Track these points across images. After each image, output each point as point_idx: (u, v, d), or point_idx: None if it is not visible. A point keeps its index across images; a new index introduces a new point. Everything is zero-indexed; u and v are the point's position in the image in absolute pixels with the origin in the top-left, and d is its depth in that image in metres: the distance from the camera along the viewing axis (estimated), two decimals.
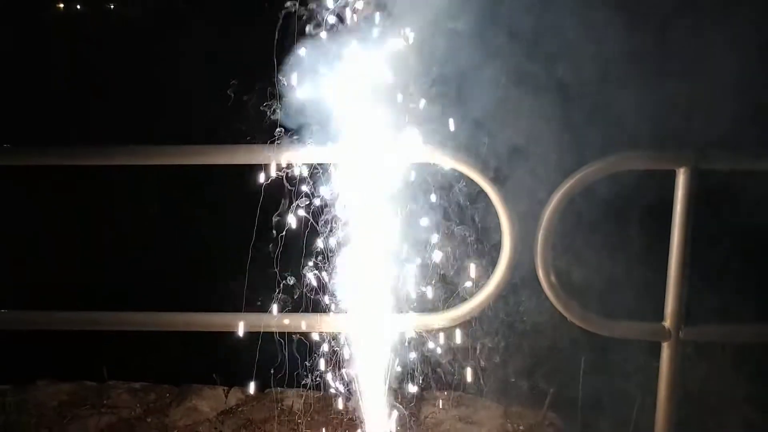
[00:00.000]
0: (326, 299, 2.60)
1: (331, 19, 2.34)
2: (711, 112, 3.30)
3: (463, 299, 2.66)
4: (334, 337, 2.69)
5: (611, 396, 3.09)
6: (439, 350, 2.90)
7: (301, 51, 2.35)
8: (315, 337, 2.70)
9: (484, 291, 2.63)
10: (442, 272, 2.61)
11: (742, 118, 3.25)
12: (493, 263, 2.61)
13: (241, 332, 2.62)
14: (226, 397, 3.25)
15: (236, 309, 2.67)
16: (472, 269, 2.64)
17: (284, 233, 2.46)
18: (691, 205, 2.52)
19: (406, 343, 2.70)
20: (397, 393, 2.76)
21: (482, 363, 3.38)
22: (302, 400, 3.15)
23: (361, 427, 2.66)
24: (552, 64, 3.30)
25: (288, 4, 2.32)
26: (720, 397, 2.98)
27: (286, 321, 2.63)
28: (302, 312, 2.61)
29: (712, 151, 2.54)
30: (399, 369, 2.68)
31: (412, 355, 2.71)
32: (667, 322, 2.64)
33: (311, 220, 2.50)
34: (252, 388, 3.22)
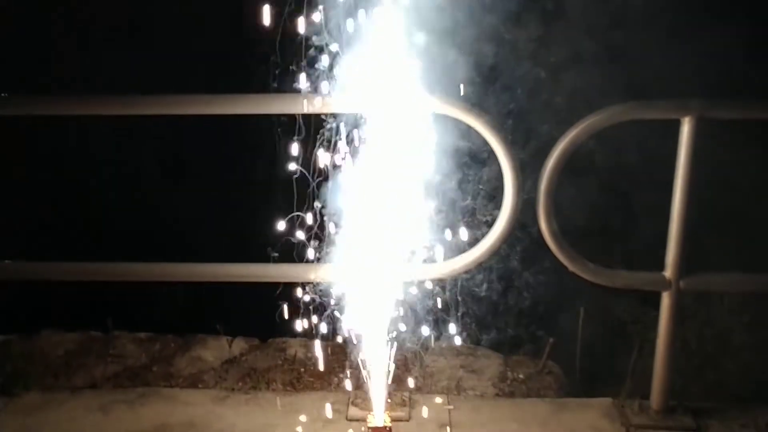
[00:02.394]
0: (330, 248, 2.61)
1: None
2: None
3: (465, 249, 2.67)
4: (338, 287, 2.70)
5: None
6: (440, 300, 2.93)
7: None
8: (319, 286, 2.72)
9: (486, 241, 2.64)
10: (445, 221, 2.61)
11: None
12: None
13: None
14: (230, 346, 3.29)
15: (241, 259, 2.68)
16: (475, 219, 2.64)
17: (293, 182, 2.46)
18: (695, 154, 2.52)
19: (409, 293, 2.71)
20: (399, 342, 2.79)
21: (483, 313, 3.42)
22: (305, 350, 3.20)
23: (364, 376, 2.70)
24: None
25: None
26: (718, 345, 3.02)
27: (291, 271, 2.65)
28: (307, 262, 2.62)
29: (717, 101, 2.52)
30: (401, 318, 2.70)
31: (414, 305, 2.73)
32: (668, 272, 2.66)
33: (320, 168, 2.49)
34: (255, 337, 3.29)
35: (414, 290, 2.70)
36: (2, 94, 2.64)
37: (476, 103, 2.53)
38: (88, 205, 3.81)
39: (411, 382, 2.96)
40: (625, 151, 3.26)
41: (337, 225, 2.58)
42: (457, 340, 3.34)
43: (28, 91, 2.66)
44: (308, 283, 2.70)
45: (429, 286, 2.82)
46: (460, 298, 3.24)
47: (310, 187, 2.52)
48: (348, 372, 2.97)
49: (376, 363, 2.66)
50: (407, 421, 2.74)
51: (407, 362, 3.05)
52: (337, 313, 2.71)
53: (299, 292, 2.70)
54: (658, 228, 2.63)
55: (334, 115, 2.46)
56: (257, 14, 2.24)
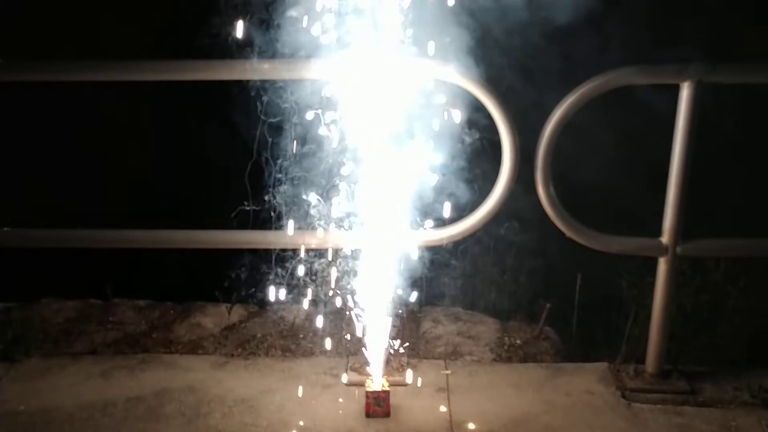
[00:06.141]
0: (331, 216, 2.61)
1: None
2: None
3: (463, 215, 2.68)
4: (337, 253, 2.71)
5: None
6: (438, 266, 2.94)
7: None
8: (318, 253, 2.72)
9: (484, 207, 2.65)
10: (443, 188, 2.61)
11: None
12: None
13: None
14: (229, 313, 3.31)
15: (242, 226, 2.68)
16: (473, 185, 2.64)
17: (293, 150, 2.45)
18: (694, 120, 2.51)
19: (407, 259, 2.72)
20: (398, 308, 2.81)
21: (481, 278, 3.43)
22: (304, 316, 3.22)
23: (362, 342, 2.72)
24: None
25: None
26: (713, 310, 3.04)
27: (292, 237, 2.65)
28: (306, 229, 2.63)
29: (717, 65, 2.50)
30: (400, 284, 2.71)
31: (413, 271, 2.74)
32: (665, 238, 2.67)
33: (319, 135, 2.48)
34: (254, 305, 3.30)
35: (412, 256, 2.71)
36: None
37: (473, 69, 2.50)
38: (86, 172, 3.79)
39: (409, 348, 2.98)
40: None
41: (338, 192, 2.58)
42: (455, 306, 3.38)
43: None
44: (309, 249, 2.71)
45: (428, 252, 2.83)
46: (457, 264, 3.26)
47: (310, 154, 2.52)
48: (346, 338, 2.99)
49: (375, 329, 2.68)
50: (405, 386, 2.77)
51: (406, 328, 3.07)
52: (335, 280, 2.72)
53: (300, 258, 2.72)
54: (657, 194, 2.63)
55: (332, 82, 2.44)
56: None
